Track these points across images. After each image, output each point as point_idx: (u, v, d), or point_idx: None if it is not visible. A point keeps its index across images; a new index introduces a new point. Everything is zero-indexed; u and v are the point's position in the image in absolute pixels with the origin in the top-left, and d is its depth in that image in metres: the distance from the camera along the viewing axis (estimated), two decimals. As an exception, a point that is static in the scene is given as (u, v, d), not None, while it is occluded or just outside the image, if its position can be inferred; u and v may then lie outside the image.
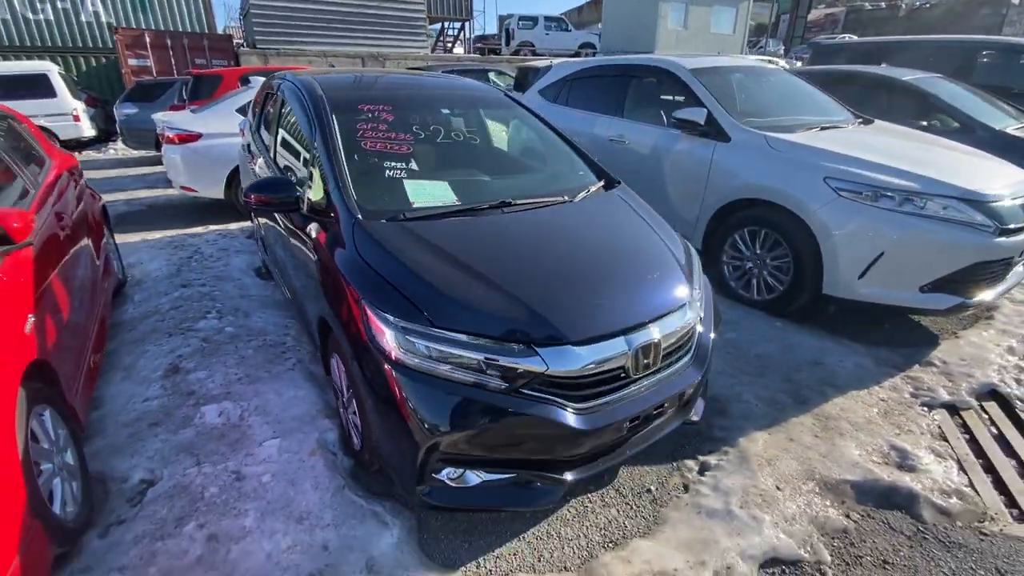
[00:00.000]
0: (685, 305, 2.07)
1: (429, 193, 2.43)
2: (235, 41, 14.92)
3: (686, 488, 2.21)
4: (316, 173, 2.40)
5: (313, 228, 2.37)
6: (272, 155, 3.26)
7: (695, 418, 2.24)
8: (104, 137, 11.98)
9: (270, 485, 2.13)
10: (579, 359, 1.77)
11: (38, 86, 10.29)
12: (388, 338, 1.76)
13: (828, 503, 2.12)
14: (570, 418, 1.76)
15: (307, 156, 2.60)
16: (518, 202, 2.42)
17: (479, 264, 1.95)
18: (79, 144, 11.24)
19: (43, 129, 10.55)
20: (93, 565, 1.85)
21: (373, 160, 2.47)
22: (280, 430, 2.44)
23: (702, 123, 3.78)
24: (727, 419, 2.60)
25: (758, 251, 3.60)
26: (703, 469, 2.30)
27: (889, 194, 3.03)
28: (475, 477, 1.84)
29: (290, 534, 1.90)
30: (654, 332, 1.91)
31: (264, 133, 3.67)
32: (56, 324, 2.24)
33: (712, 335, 2.24)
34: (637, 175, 4.39)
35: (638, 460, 2.32)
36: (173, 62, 12.77)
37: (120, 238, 5.35)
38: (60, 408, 2.13)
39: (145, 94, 10.14)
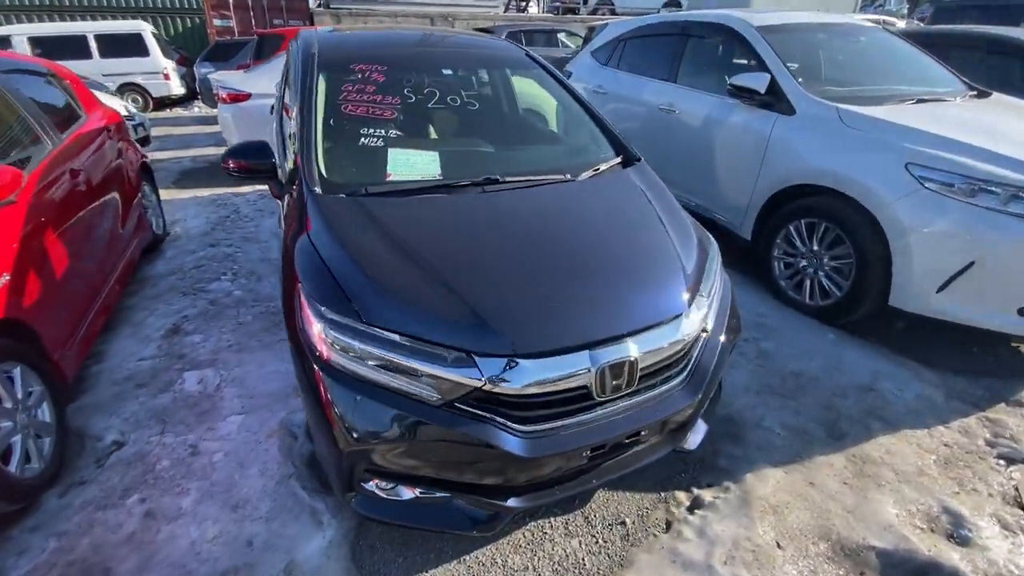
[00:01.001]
0: (680, 317, 1.70)
1: (410, 164, 2.18)
2: (310, 2, 15.17)
3: (668, 526, 1.88)
4: (294, 139, 2.22)
5: (284, 199, 2.21)
6: (279, 119, 3.14)
7: (690, 448, 1.90)
8: (192, 95, 12.74)
9: (220, 465, 2.06)
10: (524, 374, 1.48)
11: (133, 45, 11.02)
12: (317, 331, 1.57)
13: (841, 574, 1.72)
14: (511, 443, 1.49)
15: (291, 120, 2.42)
16: (508, 179, 2.12)
17: (429, 253, 1.69)
18: (169, 101, 12.02)
19: (135, 86, 11.38)
20: (40, 525, 1.87)
21: (351, 126, 2.25)
22: (249, 405, 2.37)
23: (762, 91, 3.20)
24: (739, 447, 2.21)
25: (815, 248, 3.05)
26: (694, 506, 1.96)
27: (992, 189, 2.38)
28: (408, 492, 1.64)
29: (220, 522, 1.82)
30: (630, 348, 1.58)
31: (286, 94, 3.56)
32: (42, 283, 2.27)
33: (722, 339, 1.85)
34: (684, 151, 3.90)
35: (618, 484, 2.01)
36: (253, 22, 13.20)
37: (175, 194, 5.61)
38: (38, 365, 2.17)
39: (222, 54, 10.56)
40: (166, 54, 11.68)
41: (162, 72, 11.39)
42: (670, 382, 1.71)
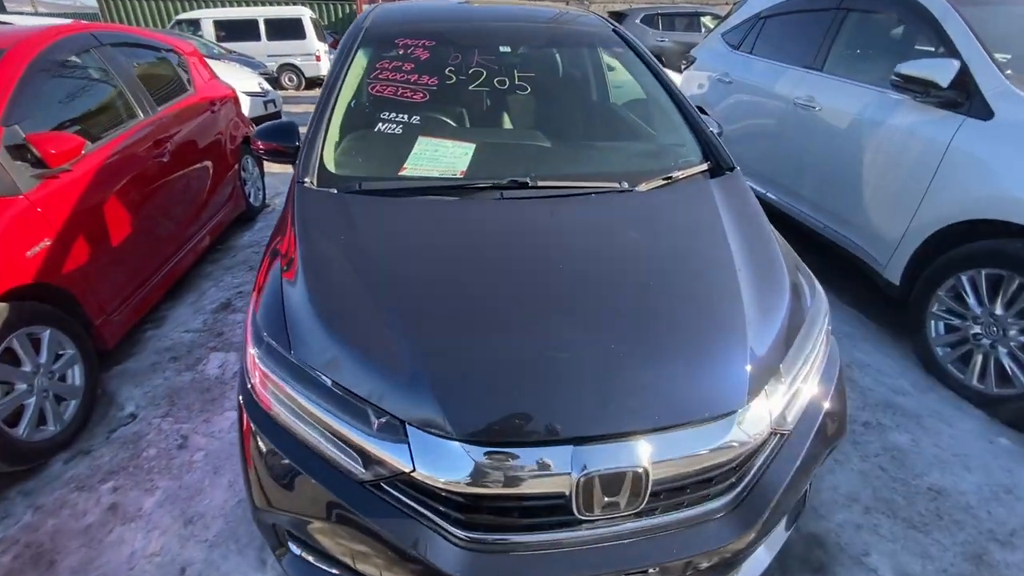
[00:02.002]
0: (733, 414, 1.14)
1: (435, 157, 1.83)
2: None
3: None
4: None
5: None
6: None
7: None
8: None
9: (197, 465, 1.93)
10: (464, 465, 1.06)
11: (293, 29, 12.14)
12: (250, 355, 1.30)
13: None
14: (444, 555, 1.08)
15: None
16: (544, 184, 1.67)
17: (397, 276, 1.33)
18: (319, 81, 13.14)
19: (292, 66, 12.50)
20: (33, 491, 1.88)
21: (373, 109, 1.95)
22: (253, 401, 2.24)
23: (945, 84, 2.31)
24: (820, 588, 1.55)
25: (998, 311, 2.14)
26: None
27: None
28: (332, 568, 1.31)
29: (167, 535, 1.66)
30: (639, 453, 1.07)
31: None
32: (91, 249, 2.33)
33: (808, 446, 1.24)
34: (820, 158, 3.08)
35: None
36: (399, 9, 13.85)
37: (287, 168, 5.93)
38: (73, 329, 2.23)
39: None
40: (320, 38, 12.71)
41: (315, 54, 12.41)
42: (706, 504, 1.17)
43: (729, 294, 1.34)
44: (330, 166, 1.73)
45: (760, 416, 1.18)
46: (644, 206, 1.66)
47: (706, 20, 10.28)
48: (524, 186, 1.66)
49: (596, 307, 1.29)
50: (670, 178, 1.76)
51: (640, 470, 1.06)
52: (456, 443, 1.06)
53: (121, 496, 1.82)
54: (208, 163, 3.60)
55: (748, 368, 1.19)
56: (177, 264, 3.10)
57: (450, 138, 1.90)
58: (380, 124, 1.86)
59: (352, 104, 1.98)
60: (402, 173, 1.74)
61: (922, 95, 2.45)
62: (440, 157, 1.83)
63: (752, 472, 1.19)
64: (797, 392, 1.27)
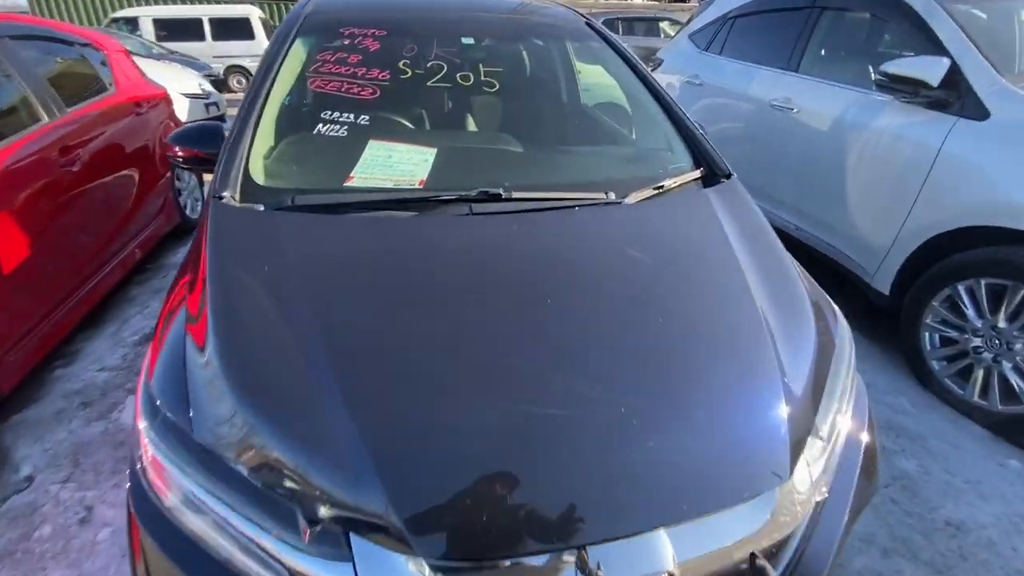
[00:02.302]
0: (772, 493, 0.91)
1: (388, 164, 1.54)
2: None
3: None
4: None
5: None
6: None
7: None
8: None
9: (101, 548, 1.57)
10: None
11: (240, 29, 11.50)
12: (139, 427, 0.99)
13: None
14: None
15: None
16: (519, 196, 1.41)
17: (339, 328, 1.04)
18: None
19: (240, 68, 11.85)
20: None
21: (312, 107, 1.66)
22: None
23: (935, 83, 2.18)
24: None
25: (1001, 324, 2.01)
26: None
27: None
28: None
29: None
30: (662, 554, 0.83)
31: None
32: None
33: (847, 515, 1.02)
34: (800, 162, 2.94)
35: None
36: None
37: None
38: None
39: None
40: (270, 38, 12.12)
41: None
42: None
43: (753, 331, 1.12)
44: (258, 176, 1.42)
45: (802, 484, 0.96)
46: (638, 223, 1.42)
47: (664, 26, 10.32)
48: (496, 199, 1.40)
49: (598, 357, 1.03)
50: (660, 187, 1.54)
51: (668, 574, 0.81)
52: (418, 561, 0.78)
53: (-1, 594, 1.45)
54: (133, 171, 3.19)
55: (787, 426, 0.96)
56: (95, 288, 2.69)
57: (406, 142, 1.62)
58: (321, 125, 1.57)
59: (287, 102, 1.67)
60: (349, 183, 1.45)
61: (910, 95, 2.32)
62: (395, 164, 1.55)
63: (790, 554, 0.96)
64: (835, 443, 1.06)
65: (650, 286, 1.21)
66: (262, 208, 1.31)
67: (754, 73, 3.36)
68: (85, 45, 3.32)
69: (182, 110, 6.10)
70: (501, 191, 1.40)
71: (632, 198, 1.48)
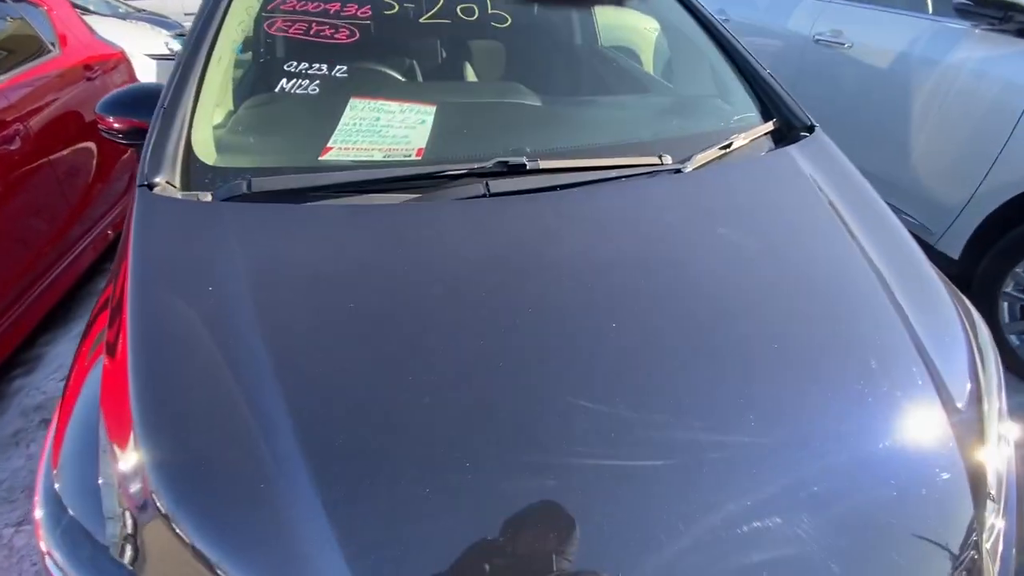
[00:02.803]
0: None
1: (377, 128, 1.19)
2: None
3: None
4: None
5: None
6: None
7: None
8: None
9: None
10: None
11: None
12: (35, 516, 0.70)
13: None
14: None
15: None
16: (549, 165, 1.07)
17: (308, 382, 0.73)
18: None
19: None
20: None
21: (273, 58, 1.30)
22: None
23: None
24: None
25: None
26: None
27: None
28: None
29: None
30: None
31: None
32: None
33: None
34: (854, 105, 2.54)
35: None
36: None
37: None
38: None
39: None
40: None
41: (241, 12, 11.02)
42: None
43: (895, 341, 0.81)
44: (204, 154, 1.07)
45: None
46: (711, 196, 1.08)
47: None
48: (518, 170, 1.05)
49: (696, 406, 0.73)
50: (727, 147, 1.19)
51: None
52: None
53: None
54: (90, 144, 2.80)
55: (962, 466, 0.69)
56: (55, 281, 2.38)
57: (396, 98, 1.26)
58: (285, 81, 1.21)
59: (239, 53, 1.30)
60: (324, 158, 1.10)
61: (997, 21, 1.92)
62: (384, 128, 1.20)
63: None
64: (1008, 503, 0.78)
65: (749, 289, 0.89)
66: (209, 199, 0.98)
67: (793, 4, 2.91)
68: (18, 0, 2.86)
69: (148, 73, 5.58)
70: (525, 159, 1.06)
71: (693, 162, 1.13)
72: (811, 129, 1.29)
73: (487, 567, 0.57)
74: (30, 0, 2.96)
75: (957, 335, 0.89)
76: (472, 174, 1.04)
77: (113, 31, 4.32)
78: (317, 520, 0.58)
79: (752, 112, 1.35)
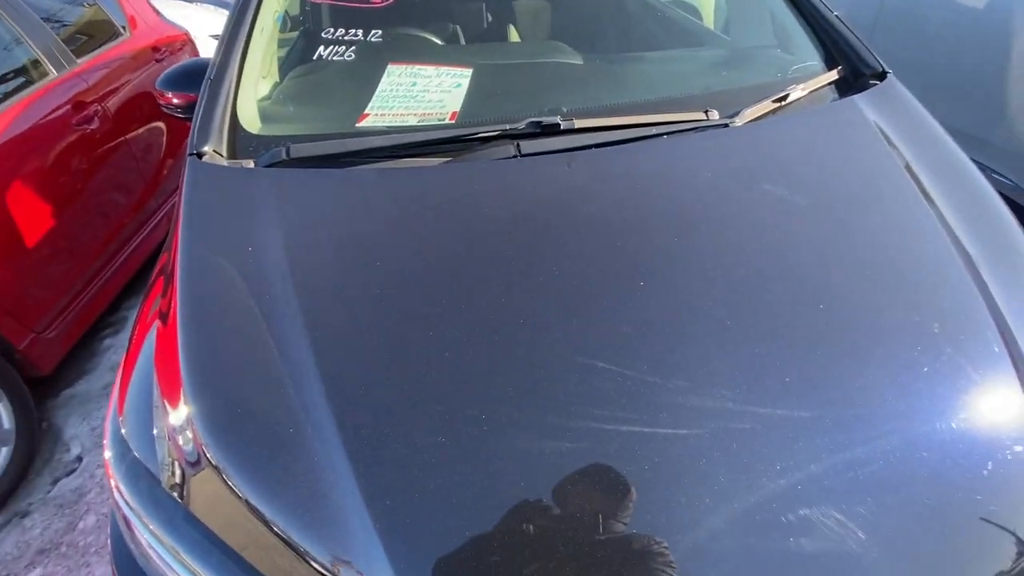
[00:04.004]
0: None
1: (413, 94, 1.19)
2: None
3: None
4: None
5: None
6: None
7: None
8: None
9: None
10: None
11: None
12: (105, 456, 0.78)
13: None
14: None
15: None
16: (584, 124, 1.03)
17: (336, 342, 0.75)
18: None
19: None
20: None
21: (313, 27, 1.31)
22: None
23: None
24: None
25: None
26: None
27: None
28: None
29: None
30: None
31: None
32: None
33: None
34: (943, 56, 2.27)
35: None
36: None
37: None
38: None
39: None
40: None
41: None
42: None
43: (974, 326, 0.75)
44: (248, 123, 1.11)
45: None
46: (761, 152, 1.01)
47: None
48: (553, 130, 1.02)
49: (741, 379, 0.69)
50: (783, 98, 1.09)
51: None
52: None
53: (46, 592, 1.39)
54: (160, 123, 2.99)
55: None
56: (136, 250, 2.58)
57: (433, 62, 1.25)
58: (323, 49, 1.22)
59: (280, 23, 1.32)
60: (361, 124, 1.12)
61: None
62: (419, 93, 1.20)
63: None
64: None
65: (795, 252, 0.83)
66: (252, 165, 1.02)
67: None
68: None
69: (212, 53, 5.82)
70: (559, 119, 1.02)
71: (742, 117, 1.05)
72: (882, 76, 1.16)
73: (500, 516, 0.58)
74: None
75: None
76: (504, 135, 1.02)
77: (179, 13, 4.53)
78: (341, 464, 0.61)
79: (815, 60, 1.24)
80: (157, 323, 0.84)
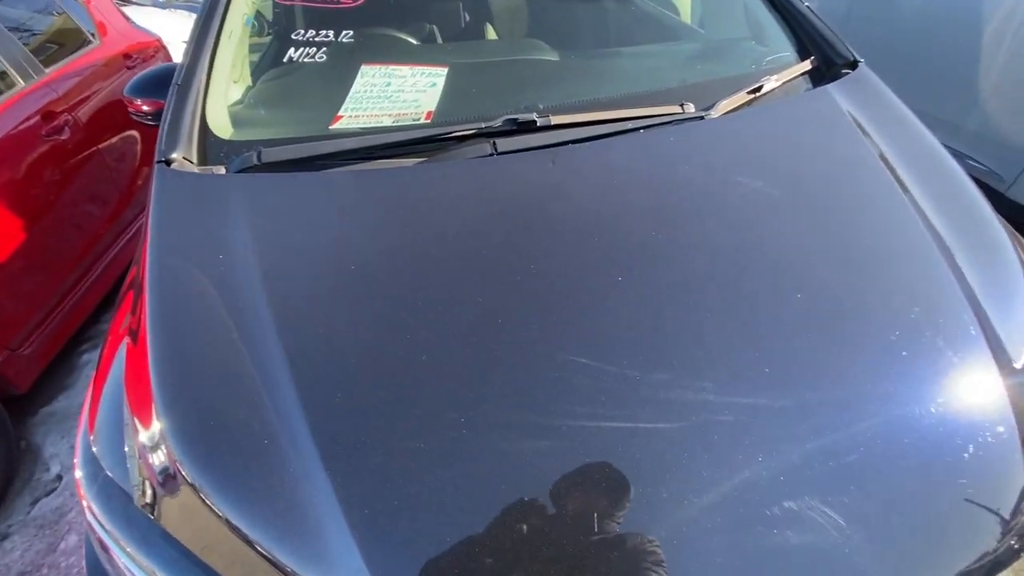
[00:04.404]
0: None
1: (388, 94, 1.18)
2: None
3: None
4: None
5: None
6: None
7: None
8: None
9: (127, 559, 1.45)
10: None
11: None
12: (76, 476, 0.76)
13: None
14: None
15: None
16: (560, 121, 1.02)
17: (307, 349, 0.73)
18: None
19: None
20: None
21: (284, 27, 1.29)
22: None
23: None
24: None
25: None
26: None
27: None
28: None
29: None
30: None
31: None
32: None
33: None
34: (914, 44, 2.31)
35: None
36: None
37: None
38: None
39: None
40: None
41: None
42: None
43: (949, 306, 0.75)
44: (219, 129, 1.09)
45: None
46: (735, 143, 1.01)
47: None
48: (528, 127, 1.01)
49: (726, 370, 0.69)
50: (757, 90, 1.10)
51: None
52: None
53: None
54: (133, 131, 2.93)
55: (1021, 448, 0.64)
56: (113, 261, 2.53)
57: (407, 62, 1.23)
58: (293, 50, 1.20)
59: (249, 25, 1.30)
60: (334, 126, 1.10)
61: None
62: (394, 93, 1.18)
63: None
64: None
65: (783, 243, 0.83)
66: (223, 171, 0.99)
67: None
68: (58, -9, 2.97)
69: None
70: (534, 116, 1.02)
71: (717, 109, 1.05)
72: (854, 66, 1.17)
73: (482, 520, 0.57)
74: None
75: (1017, 289, 0.81)
76: (480, 134, 1.01)
77: (152, 20, 4.45)
78: (317, 474, 0.60)
79: (788, 52, 1.24)
80: (126, 339, 0.82)
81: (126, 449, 0.71)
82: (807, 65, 1.17)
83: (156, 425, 0.68)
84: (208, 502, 0.63)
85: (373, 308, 0.76)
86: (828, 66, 1.19)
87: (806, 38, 1.24)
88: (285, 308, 0.76)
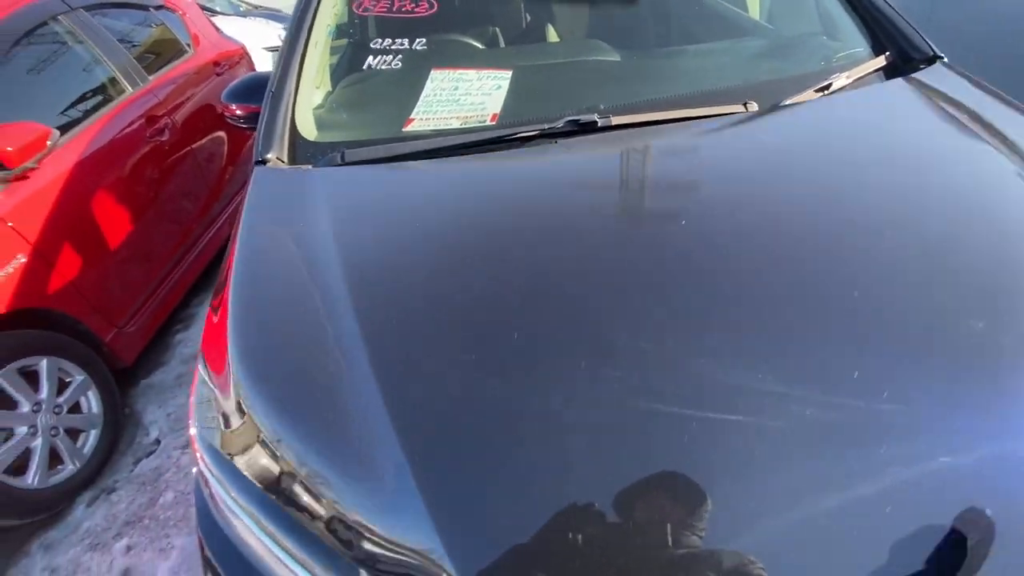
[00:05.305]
0: None
1: (456, 98, 1.25)
2: None
3: None
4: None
5: None
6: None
7: None
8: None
9: (215, 517, 1.61)
10: None
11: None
12: (191, 432, 0.88)
13: None
14: None
15: None
16: (622, 120, 1.05)
17: (377, 321, 0.79)
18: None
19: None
20: (53, 544, 1.67)
21: (362, 37, 1.39)
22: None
23: None
24: None
25: None
26: None
27: None
28: None
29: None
30: None
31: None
32: (83, 259, 2.01)
33: None
34: (1013, 36, 2.14)
35: None
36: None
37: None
38: (80, 352, 1.96)
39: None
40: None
41: None
42: None
43: None
44: (307, 131, 1.20)
45: None
46: (801, 140, 1.01)
47: None
48: (590, 128, 1.05)
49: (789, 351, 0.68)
50: (826, 87, 1.08)
51: None
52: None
53: (134, 559, 1.55)
54: (221, 133, 3.20)
55: None
56: (202, 252, 2.79)
57: (474, 66, 1.30)
58: (372, 59, 1.30)
59: (332, 37, 1.41)
60: (408, 128, 1.18)
61: None
62: (462, 97, 1.25)
63: None
64: None
65: (861, 243, 0.80)
66: (310, 170, 1.10)
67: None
68: (159, 8, 3.28)
69: (265, 64, 6.14)
70: (595, 117, 1.05)
71: (785, 105, 1.05)
72: (933, 60, 1.12)
73: (543, 481, 0.61)
74: (168, 5, 3.39)
75: None
76: (543, 135, 1.06)
77: (234, 28, 4.79)
78: (383, 424, 0.67)
79: (861, 47, 1.21)
80: (213, 318, 0.94)
81: (193, 399, 0.82)
82: (881, 61, 1.14)
83: (230, 376, 0.78)
84: (282, 460, 0.71)
85: (438, 285, 0.83)
86: (905, 61, 1.15)
87: (882, 33, 1.20)
88: (360, 282, 0.84)
